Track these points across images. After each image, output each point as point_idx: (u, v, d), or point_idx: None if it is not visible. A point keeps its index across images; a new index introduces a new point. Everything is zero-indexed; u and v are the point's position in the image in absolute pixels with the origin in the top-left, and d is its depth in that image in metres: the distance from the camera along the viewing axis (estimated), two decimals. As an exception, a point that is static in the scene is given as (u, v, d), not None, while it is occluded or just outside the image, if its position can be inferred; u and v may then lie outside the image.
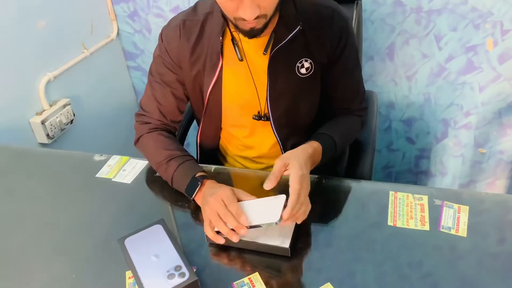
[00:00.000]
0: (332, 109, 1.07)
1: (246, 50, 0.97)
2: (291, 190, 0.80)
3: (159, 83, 1.05)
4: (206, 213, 0.84)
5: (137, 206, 0.97)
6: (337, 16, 0.98)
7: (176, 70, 1.03)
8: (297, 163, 0.84)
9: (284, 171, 0.85)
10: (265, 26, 0.87)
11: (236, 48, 0.96)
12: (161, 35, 1.04)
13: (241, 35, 0.94)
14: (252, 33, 0.87)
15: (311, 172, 0.92)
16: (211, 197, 0.84)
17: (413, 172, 1.88)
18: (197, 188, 0.91)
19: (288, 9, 0.95)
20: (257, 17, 0.82)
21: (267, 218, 0.79)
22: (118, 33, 1.89)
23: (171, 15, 1.76)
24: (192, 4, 1.71)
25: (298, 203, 0.80)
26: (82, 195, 1.02)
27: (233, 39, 0.97)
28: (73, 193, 1.03)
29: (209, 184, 0.91)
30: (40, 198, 1.02)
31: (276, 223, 0.78)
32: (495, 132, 1.66)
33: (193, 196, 0.92)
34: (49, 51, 1.54)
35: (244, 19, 0.82)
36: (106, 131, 1.88)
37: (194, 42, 0.99)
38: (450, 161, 1.79)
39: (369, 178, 1.09)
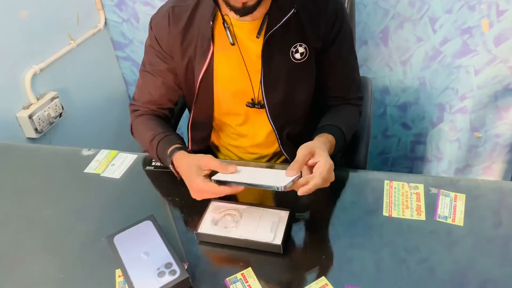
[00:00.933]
0: (328, 98, 1.04)
1: (238, 35, 0.94)
2: (317, 174, 0.77)
3: (149, 73, 1.03)
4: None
5: (127, 201, 0.95)
6: (332, 0, 0.95)
7: (167, 59, 1.00)
8: (324, 153, 0.81)
9: (308, 160, 0.80)
10: (258, 3, 0.84)
11: (228, 32, 0.93)
12: (150, 23, 1.00)
13: (232, 18, 0.92)
14: (244, 10, 0.83)
15: None
16: (190, 189, 0.88)
17: (409, 158, 1.86)
18: (172, 167, 0.93)
19: None
20: None
21: (271, 182, 0.75)
22: (105, 23, 1.84)
23: (159, 3, 1.72)
24: (180, -9, 1.68)
25: (319, 187, 0.76)
26: (70, 191, 0.99)
27: (224, 22, 0.93)
28: (61, 189, 1.00)
29: (177, 163, 0.92)
30: (27, 194, 0.99)
31: (277, 188, 0.73)
32: (491, 115, 1.64)
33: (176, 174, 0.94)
34: (34, 43, 1.49)
35: None
36: (96, 123, 1.84)
37: (183, 28, 0.95)
38: (446, 146, 1.77)
39: (364, 166, 1.07)
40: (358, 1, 1.51)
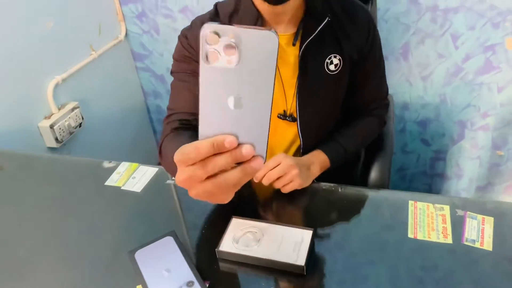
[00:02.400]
0: (352, 110, 1.04)
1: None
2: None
3: (182, 80, 0.96)
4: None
5: (147, 216, 0.94)
6: (361, 10, 0.96)
7: None
8: (288, 157, 0.90)
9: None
10: None
11: None
12: (181, 35, 0.97)
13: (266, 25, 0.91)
14: None
15: (326, 180, 0.89)
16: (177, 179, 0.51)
17: (428, 174, 1.83)
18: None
19: (314, 1, 0.92)
20: None
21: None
22: (126, 34, 1.86)
23: (179, 16, 1.73)
24: (201, 4, 1.70)
25: (277, 166, 0.87)
26: (91, 204, 0.99)
27: None
28: (82, 201, 1.00)
29: None
30: (48, 206, 1.00)
31: None
32: (514, 133, 1.61)
33: None
34: (57, 54, 1.52)
35: None
36: (115, 134, 1.86)
37: None
38: (467, 164, 1.74)
39: (387, 184, 1.05)
40: (379, 17, 1.50)
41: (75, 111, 1.56)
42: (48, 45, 1.47)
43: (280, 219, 0.90)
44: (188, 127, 0.92)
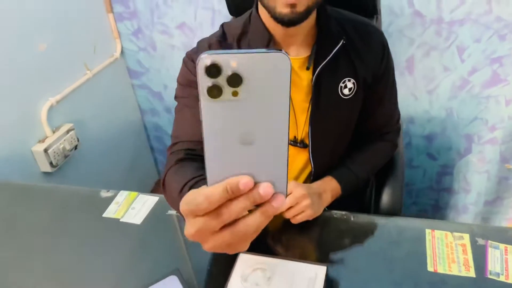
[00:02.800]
0: (364, 134, 1.00)
1: None
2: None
3: (188, 106, 0.90)
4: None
5: (149, 251, 0.89)
6: (374, 31, 0.92)
7: None
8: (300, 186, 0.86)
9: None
10: (307, 12, 0.77)
11: None
12: (187, 58, 0.91)
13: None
14: (293, 16, 0.76)
15: (337, 205, 0.86)
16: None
17: (434, 189, 1.79)
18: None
19: (328, 22, 0.87)
20: None
21: None
22: (122, 52, 1.82)
23: (176, 32, 1.69)
24: (198, 20, 1.65)
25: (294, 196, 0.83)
26: (89, 239, 0.93)
27: None
28: (79, 236, 0.94)
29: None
30: (43, 242, 0.94)
31: None
32: (523, 146, 1.57)
33: None
34: (51, 75, 1.46)
35: None
36: (112, 154, 1.80)
37: None
38: (474, 178, 1.70)
39: (399, 210, 1.00)
40: (383, 30, 1.46)
41: (70, 133, 1.51)
42: (41, 67, 1.42)
43: (290, 253, 0.84)
44: (194, 157, 0.84)
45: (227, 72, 0.36)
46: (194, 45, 0.94)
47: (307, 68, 0.87)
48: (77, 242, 0.93)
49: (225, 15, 1.53)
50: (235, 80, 0.37)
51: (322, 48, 0.86)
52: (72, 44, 1.55)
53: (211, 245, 0.42)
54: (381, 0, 1.34)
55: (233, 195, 0.39)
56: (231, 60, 0.36)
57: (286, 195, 0.42)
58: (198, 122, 0.87)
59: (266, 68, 0.37)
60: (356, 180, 0.94)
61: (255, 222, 0.40)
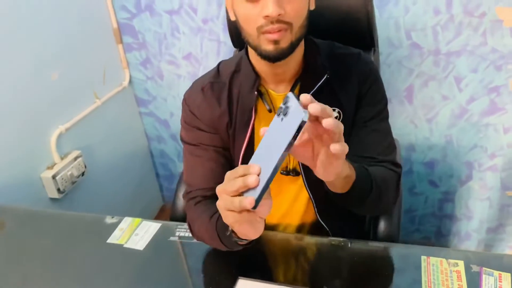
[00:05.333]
0: (358, 158, 1.00)
1: (275, 103, 0.93)
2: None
3: (194, 155, 0.96)
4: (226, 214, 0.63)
5: (150, 276, 0.91)
6: (361, 61, 0.94)
7: (210, 132, 0.95)
8: None
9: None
10: (291, 48, 0.81)
11: (265, 100, 0.91)
12: (184, 100, 0.97)
13: (270, 90, 0.90)
14: (277, 52, 0.80)
15: (338, 235, 0.86)
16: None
17: (437, 216, 1.79)
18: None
19: (313, 56, 0.91)
20: (282, 23, 0.77)
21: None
22: (130, 81, 1.88)
23: (183, 62, 1.75)
24: (204, 50, 1.72)
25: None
26: (93, 263, 0.96)
27: (259, 92, 0.92)
28: (84, 261, 0.97)
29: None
30: (48, 264, 0.97)
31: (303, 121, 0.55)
32: (523, 174, 1.59)
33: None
34: (61, 103, 1.52)
35: (268, 27, 0.77)
36: (118, 180, 1.84)
37: (225, 104, 0.93)
38: (476, 205, 1.71)
39: (397, 238, 1.02)
40: (382, 61, 1.51)
41: (78, 160, 1.55)
42: (52, 96, 1.48)
43: (288, 279, 0.86)
44: (208, 200, 0.92)
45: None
46: (200, 74, 0.99)
47: None
48: (82, 267, 0.95)
49: (229, 46, 1.59)
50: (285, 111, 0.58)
51: (307, 81, 0.90)
52: (83, 73, 1.61)
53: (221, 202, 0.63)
54: (381, 33, 1.40)
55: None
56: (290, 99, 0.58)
57: (257, 204, 0.57)
58: (207, 171, 0.93)
59: (292, 115, 0.57)
60: (369, 177, 0.85)
61: (236, 200, 0.59)
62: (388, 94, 1.60)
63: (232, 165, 0.96)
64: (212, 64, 1.01)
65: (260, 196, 0.57)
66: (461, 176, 1.67)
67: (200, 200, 0.92)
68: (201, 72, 1.72)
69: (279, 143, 0.56)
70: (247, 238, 0.73)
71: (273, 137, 0.60)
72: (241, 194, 0.60)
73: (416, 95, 1.56)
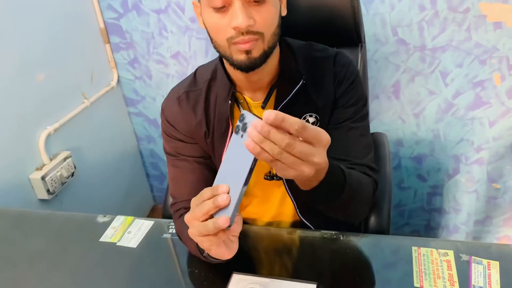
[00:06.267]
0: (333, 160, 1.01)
1: (252, 111, 0.92)
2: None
3: (176, 166, 0.97)
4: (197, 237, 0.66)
5: (144, 273, 0.91)
6: (338, 63, 0.93)
7: (189, 142, 0.95)
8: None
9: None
10: (264, 57, 0.80)
11: (242, 108, 0.91)
12: (162, 111, 0.97)
13: (247, 97, 0.90)
14: (249, 62, 0.78)
15: (329, 228, 0.88)
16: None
17: (426, 210, 1.82)
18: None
19: (288, 62, 0.91)
20: (252, 33, 0.76)
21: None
22: (118, 80, 1.87)
23: (171, 61, 1.75)
24: (192, 49, 1.72)
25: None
26: (86, 262, 0.96)
27: (236, 100, 0.91)
28: (76, 261, 0.97)
29: None
30: (41, 264, 0.96)
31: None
32: (509, 166, 1.62)
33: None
34: (49, 104, 1.51)
35: (238, 38, 0.76)
36: (108, 180, 1.83)
37: (201, 114, 0.93)
38: (464, 198, 1.74)
39: (387, 229, 1.04)
40: (369, 57, 1.53)
41: (67, 160, 1.54)
42: (39, 97, 1.47)
43: (282, 273, 0.87)
44: None
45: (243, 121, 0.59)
46: (188, 73, 0.99)
47: (262, 107, 0.90)
48: (75, 267, 0.95)
49: (217, 45, 1.59)
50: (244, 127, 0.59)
51: (282, 88, 0.89)
52: (70, 74, 1.60)
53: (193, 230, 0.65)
54: (367, 30, 1.41)
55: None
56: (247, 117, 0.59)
57: (232, 222, 0.60)
58: (188, 183, 0.95)
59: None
60: (342, 172, 0.80)
61: (209, 223, 0.62)
62: (376, 90, 1.63)
63: (215, 174, 0.96)
64: (200, 62, 1.01)
65: (234, 214, 0.60)
66: (449, 170, 1.70)
67: (184, 213, 0.91)
68: (190, 70, 1.72)
69: (244, 159, 0.59)
70: (222, 259, 0.74)
71: (235, 154, 0.61)
72: (211, 217, 0.61)
73: (403, 91, 1.58)
